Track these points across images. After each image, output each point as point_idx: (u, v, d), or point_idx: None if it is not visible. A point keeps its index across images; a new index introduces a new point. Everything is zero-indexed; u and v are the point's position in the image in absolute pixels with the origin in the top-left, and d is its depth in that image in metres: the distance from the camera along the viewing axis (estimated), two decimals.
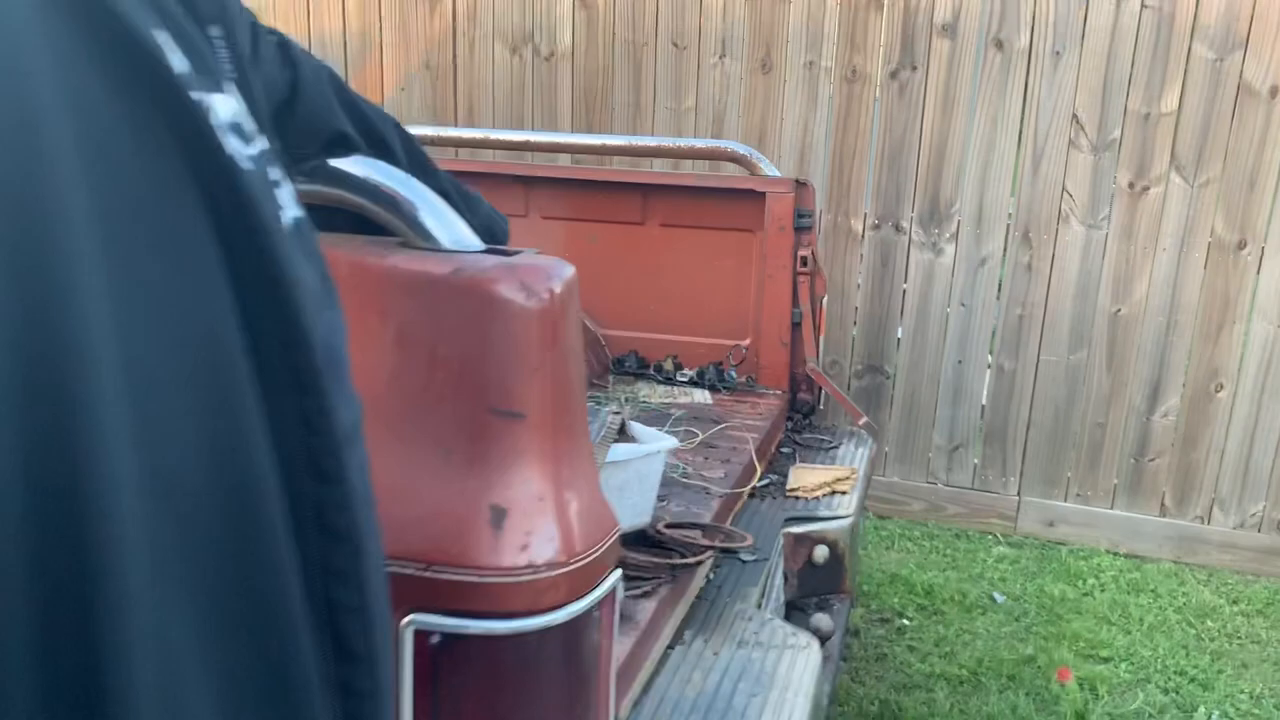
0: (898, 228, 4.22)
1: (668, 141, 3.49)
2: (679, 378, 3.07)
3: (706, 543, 1.89)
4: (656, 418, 2.70)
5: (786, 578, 2.35)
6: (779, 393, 3.04)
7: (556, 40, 4.44)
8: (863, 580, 3.84)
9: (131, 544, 0.48)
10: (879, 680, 3.20)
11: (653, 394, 2.94)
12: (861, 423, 3.05)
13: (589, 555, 1.06)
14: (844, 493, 2.54)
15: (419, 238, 1.08)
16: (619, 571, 1.13)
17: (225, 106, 0.61)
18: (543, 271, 1.06)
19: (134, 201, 0.53)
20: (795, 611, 2.35)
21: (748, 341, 3.11)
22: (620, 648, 1.56)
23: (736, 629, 1.85)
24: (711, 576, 2.07)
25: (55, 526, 0.45)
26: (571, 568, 1.03)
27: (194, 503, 0.53)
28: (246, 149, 0.62)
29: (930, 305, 4.24)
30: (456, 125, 4.60)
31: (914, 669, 3.27)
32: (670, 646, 1.78)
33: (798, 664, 1.72)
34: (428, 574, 1.01)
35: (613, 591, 1.12)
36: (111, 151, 0.51)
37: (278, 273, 0.61)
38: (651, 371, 3.12)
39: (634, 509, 1.88)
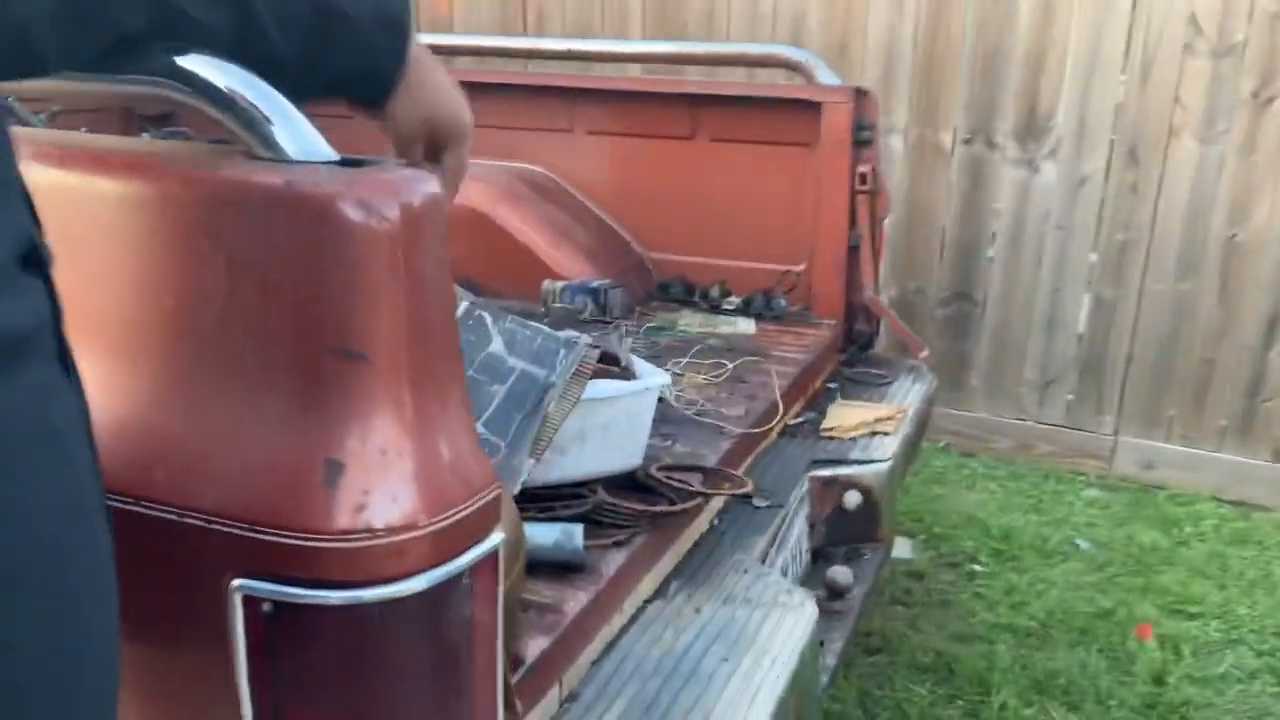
0: (990, 143, 3.89)
1: (714, 47, 3.25)
2: (725, 305, 2.88)
3: (697, 488, 1.73)
4: (679, 349, 2.53)
5: (813, 525, 2.17)
6: (833, 323, 2.83)
7: None
8: (933, 522, 3.63)
9: None
10: (939, 629, 3.01)
11: (693, 322, 2.77)
12: (922, 356, 2.82)
13: (448, 518, 0.91)
14: (886, 433, 2.33)
15: (262, 146, 0.93)
16: (499, 537, 0.98)
17: None
18: (391, 186, 0.90)
19: None
20: (821, 561, 2.18)
21: (802, 267, 2.89)
22: (575, 602, 1.43)
23: (728, 583, 1.69)
24: (716, 524, 1.91)
25: None
26: (422, 532, 0.89)
27: None
28: None
29: (1024, 228, 3.92)
30: (525, 33, 4.42)
31: (978, 618, 3.07)
32: (650, 600, 1.64)
33: (784, 626, 1.56)
34: (254, 534, 0.88)
35: (491, 559, 0.98)
36: None
37: None
38: (696, 299, 2.94)
39: (621, 450, 1.73)
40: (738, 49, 3.19)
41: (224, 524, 0.89)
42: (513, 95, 3.10)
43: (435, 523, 0.90)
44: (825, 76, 2.77)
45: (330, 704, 0.92)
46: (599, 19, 4.31)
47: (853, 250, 2.81)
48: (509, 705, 1.08)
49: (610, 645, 1.50)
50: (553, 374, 1.60)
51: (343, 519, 0.87)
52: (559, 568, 1.49)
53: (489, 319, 1.65)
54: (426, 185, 0.92)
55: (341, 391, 0.89)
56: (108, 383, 0.93)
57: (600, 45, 3.24)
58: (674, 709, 1.36)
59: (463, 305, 1.66)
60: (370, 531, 0.87)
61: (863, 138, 2.73)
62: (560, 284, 2.79)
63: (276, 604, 0.89)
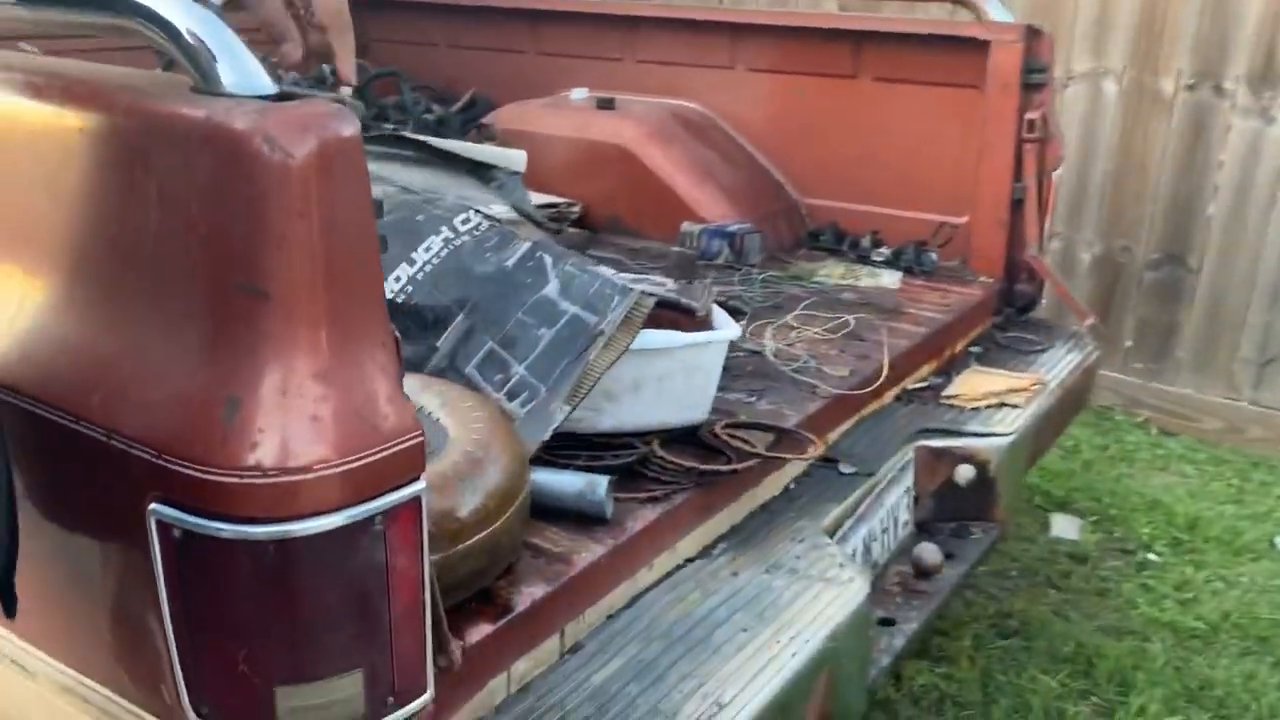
0: (1218, 89, 3.46)
1: None
2: (874, 257, 2.73)
3: (757, 449, 1.65)
4: (804, 300, 2.42)
5: (917, 498, 2.04)
6: (990, 282, 2.62)
7: None
8: (1111, 503, 3.34)
9: None
10: (1088, 619, 2.78)
11: (834, 273, 2.64)
12: (1087, 324, 2.58)
13: (350, 463, 0.90)
14: (1014, 406, 2.15)
15: (203, 80, 0.93)
16: (419, 485, 0.97)
17: None
18: (303, 122, 0.88)
19: None
20: (924, 535, 2.05)
21: (964, 219, 2.69)
22: (589, 554, 1.40)
23: (778, 551, 1.62)
24: (792, 487, 1.83)
25: None
26: (318, 475, 0.89)
27: None
28: None
29: (1252, 186, 3.49)
30: None
31: (1138, 612, 2.82)
32: (692, 559, 1.59)
33: (822, 601, 1.48)
34: (166, 463, 0.90)
35: (410, 507, 0.97)
36: None
37: None
38: (845, 248, 2.80)
39: (680, 403, 1.68)
40: None
41: (143, 450, 0.92)
42: (674, 30, 3.03)
43: (334, 466, 0.90)
44: (996, 12, 2.53)
45: (236, 632, 0.94)
46: None
47: (1017, 204, 2.58)
48: (442, 650, 1.08)
49: (632, 601, 1.47)
50: (603, 321, 1.56)
51: (236, 455, 0.88)
52: (581, 518, 1.46)
53: (549, 261, 1.62)
54: (343, 123, 0.90)
55: (246, 329, 0.89)
56: (50, 296, 0.98)
57: None
58: (670, 673, 1.32)
59: (524, 247, 1.64)
60: (261, 470, 0.88)
61: (1034, 81, 2.49)
62: (699, 227, 2.72)
63: (185, 531, 0.91)
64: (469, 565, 1.22)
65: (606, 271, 1.62)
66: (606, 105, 3.01)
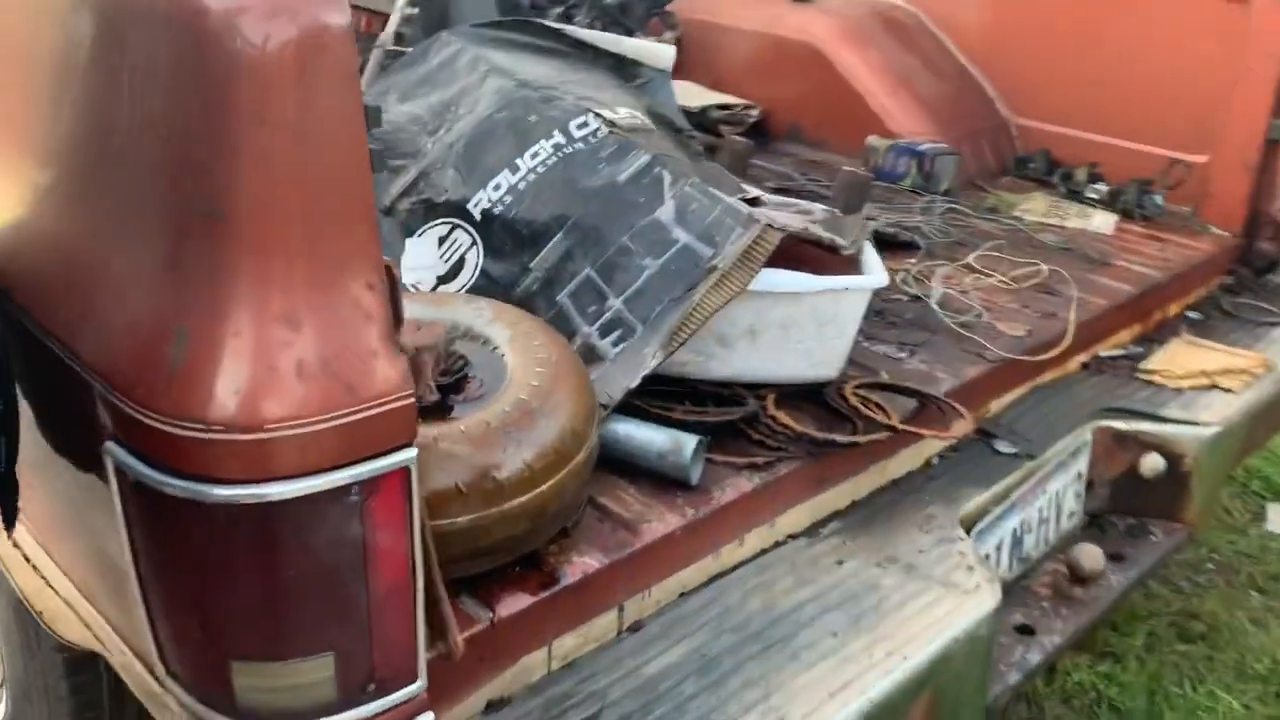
0: None
1: None
2: (1088, 194, 2.36)
3: (888, 420, 1.41)
4: (990, 238, 2.10)
5: (1092, 485, 1.75)
6: (1226, 236, 2.22)
7: None
8: None
9: None
10: None
11: (1037, 208, 2.30)
12: None
13: (312, 423, 0.75)
14: (1229, 390, 1.80)
15: None
16: (408, 454, 0.81)
17: None
18: (276, 5, 0.71)
19: None
20: (1094, 530, 1.76)
21: (1203, 159, 2.28)
22: (661, 524, 1.22)
23: (897, 541, 1.39)
24: (935, 463, 1.58)
25: None
26: (268, 435, 0.75)
27: None
28: None
29: None
30: None
31: None
32: (795, 537, 1.39)
33: (937, 611, 1.25)
34: (113, 399, 0.78)
35: (394, 478, 0.81)
36: None
37: None
38: (1056, 180, 2.44)
39: (806, 356, 1.45)
40: None
41: (97, 381, 0.80)
42: None
43: (293, 425, 0.75)
44: None
45: (189, 596, 0.82)
46: None
47: (1271, 145, 2.15)
48: (441, 636, 0.94)
49: (710, 580, 1.29)
50: (718, 254, 1.34)
51: (182, 402, 0.75)
52: (663, 479, 1.28)
53: (667, 179, 1.41)
54: (330, 10, 0.72)
55: (202, 254, 0.75)
56: (35, 182, 0.86)
57: None
58: (734, 675, 1.14)
59: (642, 159, 1.44)
60: (205, 422, 0.74)
61: None
62: (886, 142, 2.42)
63: (136, 480, 0.79)
64: (505, 530, 1.07)
65: (730, 198, 1.40)
66: None
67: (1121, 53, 2.35)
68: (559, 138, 1.45)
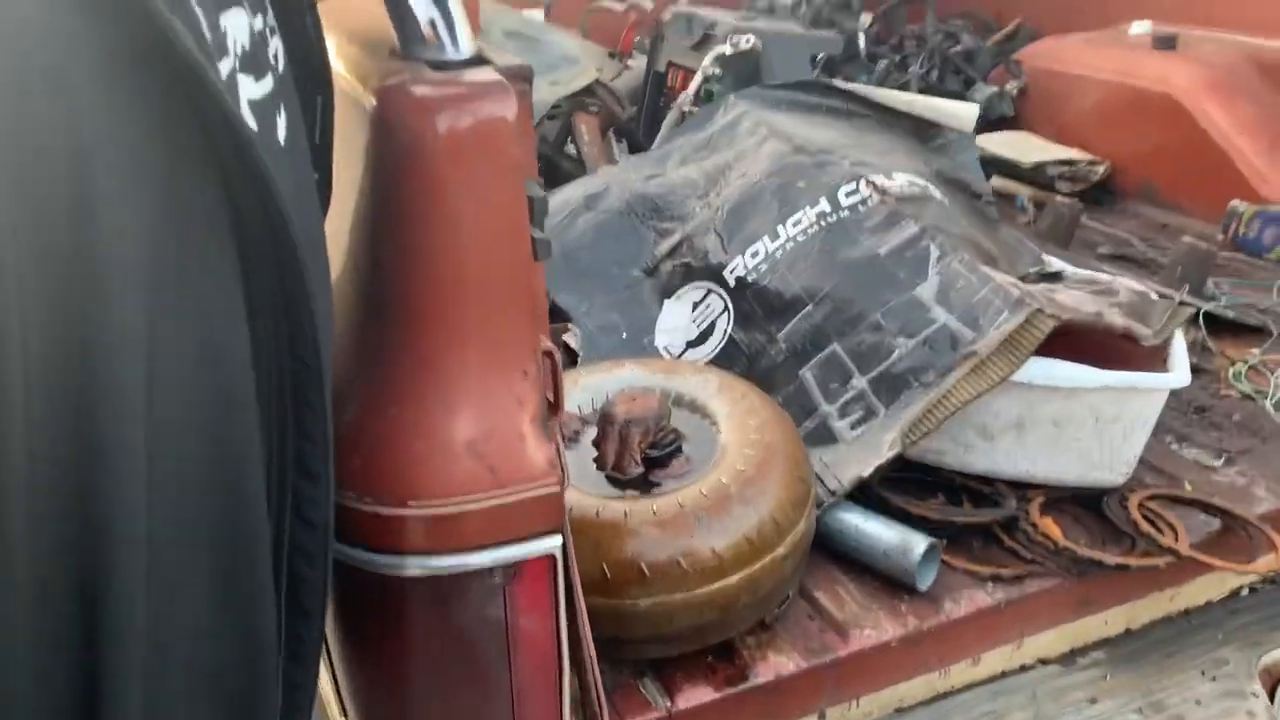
0: None
1: None
2: None
3: (1175, 544, 1.21)
4: None
5: None
6: None
7: None
8: None
9: (136, 523, 0.52)
10: None
11: None
12: None
13: (451, 504, 0.77)
14: None
15: (402, 42, 0.82)
16: (554, 541, 0.80)
17: (238, 27, 0.57)
18: (440, 97, 0.73)
19: (167, 208, 0.53)
20: None
21: None
22: (874, 631, 1.12)
23: (1171, 684, 1.19)
24: (1243, 594, 1.34)
25: (71, 502, 0.49)
26: (407, 512, 0.76)
27: (196, 497, 0.57)
28: (258, 87, 0.59)
29: None
30: None
31: None
32: (1041, 663, 1.23)
33: None
34: None
35: (541, 565, 0.81)
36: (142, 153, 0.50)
37: (295, 287, 0.59)
38: None
39: (1083, 457, 1.28)
40: None
41: None
42: None
43: (431, 506, 0.77)
44: None
45: (343, 658, 0.87)
46: None
47: None
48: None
49: (934, 699, 1.17)
50: (979, 338, 1.22)
51: (342, 473, 0.78)
52: (889, 579, 1.18)
53: (933, 254, 1.31)
54: (496, 107, 0.73)
55: (367, 326, 0.78)
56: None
57: None
58: None
59: (909, 231, 1.34)
60: (352, 491, 0.77)
61: None
62: (1254, 208, 2.11)
63: None
64: (690, 618, 1.03)
65: (1001, 276, 1.27)
66: (1166, 43, 2.44)
67: None
68: (824, 205, 1.39)
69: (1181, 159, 2.31)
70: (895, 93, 1.71)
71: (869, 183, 1.41)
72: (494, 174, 0.74)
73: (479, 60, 0.80)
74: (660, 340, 1.44)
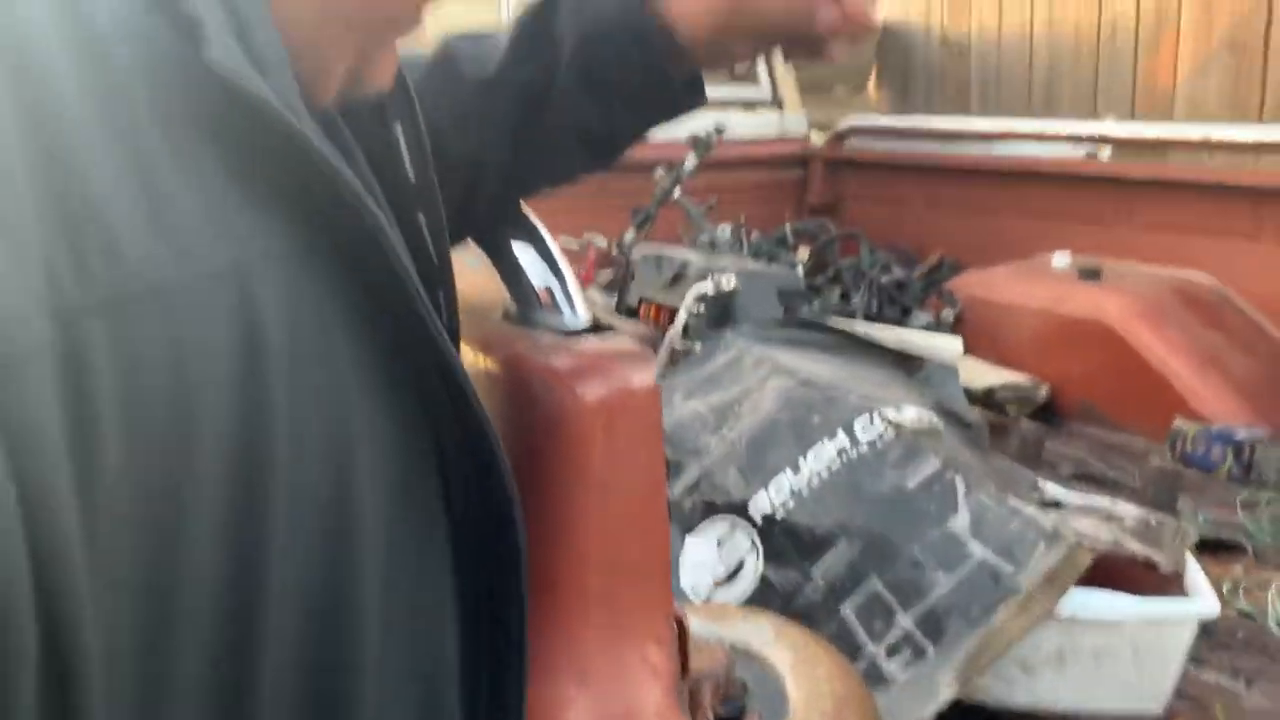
0: None
1: None
2: None
3: None
4: None
5: None
6: None
7: None
8: None
9: None
10: None
11: None
12: None
13: None
14: None
15: (517, 305, 0.83)
16: None
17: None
18: (575, 368, 0.73)
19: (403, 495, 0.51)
20: None
21: None
22: None
23: None
24: None
25: None
26: None
27: None
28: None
29: None
30: (1261, 118, 3.70)
31: None
32: None
33: None
34: None
35: None
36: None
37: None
38: None
39: (1123, 689, 1.29)
40: None
41: None
42: (1184, 192, 2.60)
43: None
44: None
45: None
46: None
47: None
48: None
49: None
50: (1020, 572, 1.24)
51: None
52: None
53: (960, 488, 1.34)
54: (634, 373, 0.74)
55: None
56: None
57: None
58: None
59: (932, 466, 1.37)
60: None
61: None
62: (1196, 427, 2.23)
63: None
64: None
65: (1030, 507, 1.30)
66: (1090, 274, 2.62)
67: None
68: (843, 439, 1.42)
69: (1120, 382, 2.44)
70: (880, 327, 1.80)
71: (882, 416, 1.45)
72: (641, 441, 0.74)
73: (602, 326, 0.81)
74: (685, 579, 1.42)
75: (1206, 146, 2.92)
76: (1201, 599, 1.32)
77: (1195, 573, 1.38)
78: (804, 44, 0.76)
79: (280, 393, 0.42)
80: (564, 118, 0.79)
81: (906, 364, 1.75)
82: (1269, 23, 3.64)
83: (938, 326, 2.84)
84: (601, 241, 2.81)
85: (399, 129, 0.64)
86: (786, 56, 0.80)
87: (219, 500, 0.40)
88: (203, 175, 0.40)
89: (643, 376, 0.74)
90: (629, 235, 2.67)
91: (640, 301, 2.21)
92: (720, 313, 2.02)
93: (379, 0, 0.51)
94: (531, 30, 0.78)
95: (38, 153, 0.34)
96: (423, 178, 0.66)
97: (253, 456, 0.41)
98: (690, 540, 1.47)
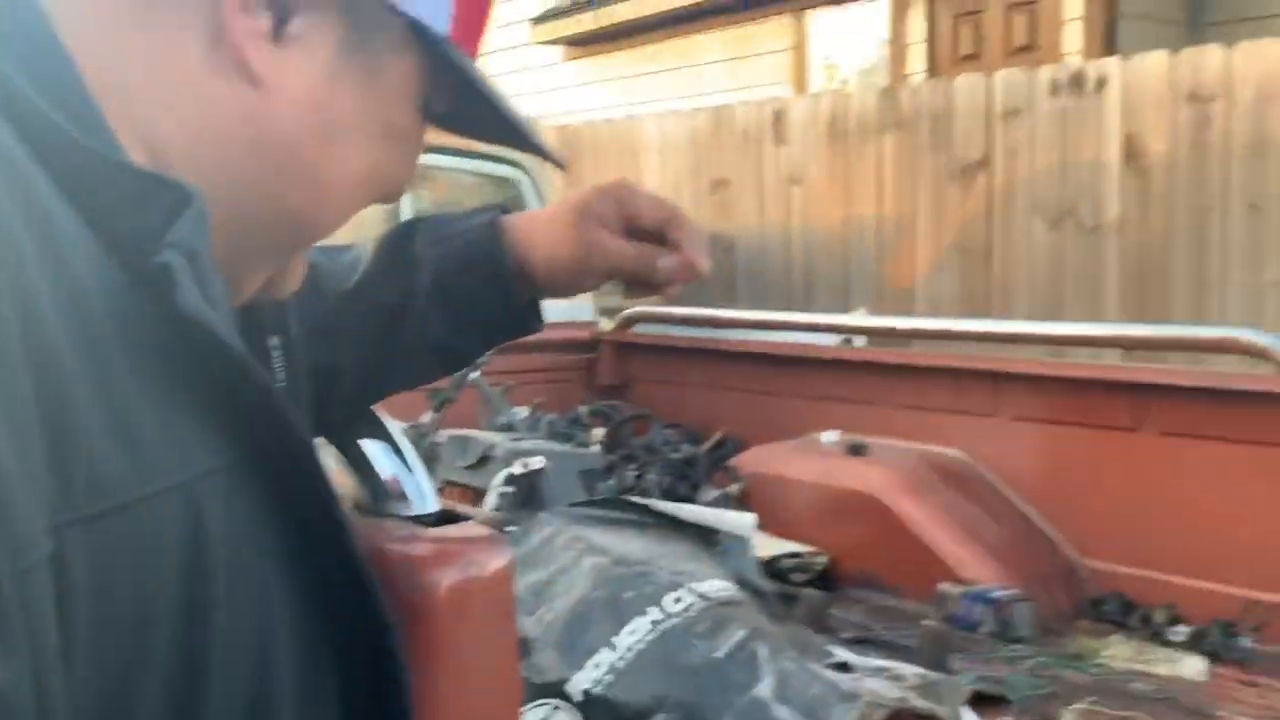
0: None
1: (1156, 330, 2.79)
2: (1170, 636, 2.33)
3: None
4: (1091, 690, 2.06)
5: None
6: None
7: (1102, 210, 3.87)
8: None
9: None
10: None
11: (1121, 654, 2.27)
12: None
13: None
14: None
15: (371, 499, 0.88)
16: None
17: None
18: (435, 555, 0.79)
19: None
20: None
21: None
22: None
23: None
24: None
25: None
26: None
27: None
28: None
29: None
30: (991, 312, 4.21)
31: None
32: None
33: None
34: None
35: None
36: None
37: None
38: (1134, 623, 2.42)
39: None
40: (1183, 332, 2.73)
41: None
42: (932, 376, 2.91)
43: None
44: None
45: None
46: (1069, 292, 3.98)
47: None
48: None
49: None
50: None
51: None
52: None
53: (763, 655, 1.44)
54: (488, 558, 0.80)
55: None
56: None
57: (1019, 327, 2.95)
58: None
59: (738, 635, 1.47)
60: None
61: None
62: (958, 589, 2.45)
63: None
64: None
65: (828, 672, 1.42)
66: (858, 450, 2.87)
67: (1180, 495, 2.43)
68: (655, 613, 1.50)
69: (890, 550, 2.65)
70: (681, 504, 1.91)
71: (691, 590, 1.54)
72: (496, 620, 0.80)
73: (453, 515, 0.87)
74: None
75: (948, 335, 3.31)
76: None
77: None
78: (645, 284, 0.88)
79: (219, 589, 0.48)
80: (419, 334, 0.88)
81: (705, 538, 1.87)
82: (989, 230, 4.20)
83: (725, 501, 3.01)
84: (399, 424, 2.84)
85: (275, 341, 0.71)
86: (626, 294, 0.91)
87: (163, 681, 0.45)
88: (163, 402, 0.47)
89: (496, 560, 0.81)
90: (427, 418, 2.72)
91: (445, 484, 2.25)
92: (528, 493, 2.09)
93: (303, 225, 0.59)
94: (392, 252, 0.87)
95: (40, 394, 0.41)
96: (294, 386, 0.72)
97: (193, 644, 0.46)
98: None
